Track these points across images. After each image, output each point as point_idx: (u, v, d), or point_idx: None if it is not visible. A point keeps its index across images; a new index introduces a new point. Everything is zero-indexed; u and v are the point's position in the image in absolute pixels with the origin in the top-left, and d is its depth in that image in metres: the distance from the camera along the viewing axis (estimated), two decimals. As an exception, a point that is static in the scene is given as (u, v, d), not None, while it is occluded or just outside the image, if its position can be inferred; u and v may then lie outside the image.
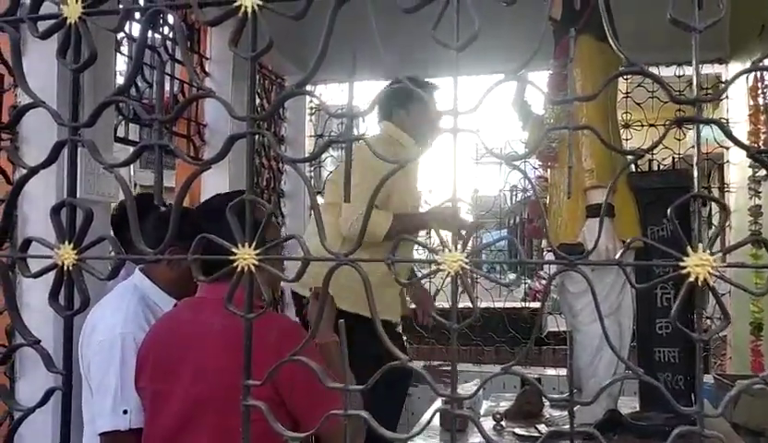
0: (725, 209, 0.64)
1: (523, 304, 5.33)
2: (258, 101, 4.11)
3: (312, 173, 5.03)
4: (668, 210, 0.65)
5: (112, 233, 2.32)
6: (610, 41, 0.64)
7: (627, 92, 4.17)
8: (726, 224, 4.17)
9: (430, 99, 2.89)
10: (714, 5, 0.58)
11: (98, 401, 1.85)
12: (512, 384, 3.59)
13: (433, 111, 2.90)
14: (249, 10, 0.70)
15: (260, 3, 0.70)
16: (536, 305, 5.65)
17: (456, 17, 0.66)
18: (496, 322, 4.88)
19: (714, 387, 2.87)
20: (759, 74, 3.25)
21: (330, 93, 4.75)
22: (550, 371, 4.20)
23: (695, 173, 0.63)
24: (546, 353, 5.00)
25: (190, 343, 1.62)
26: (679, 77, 3.95)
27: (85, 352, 1.94)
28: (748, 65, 3.81)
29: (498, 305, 5.01)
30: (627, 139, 4.13)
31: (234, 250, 0.69)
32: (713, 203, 4.33)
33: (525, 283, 5.93)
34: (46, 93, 1.89)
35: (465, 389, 3.22)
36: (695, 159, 0.63)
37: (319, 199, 5.05)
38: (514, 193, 5.59)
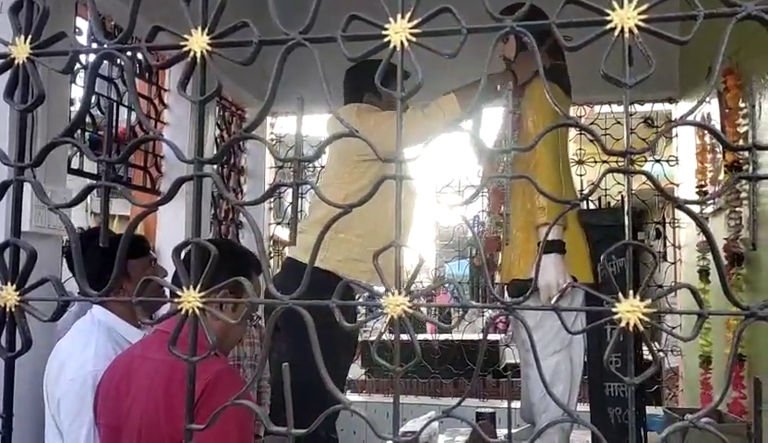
0: (654, 258, 0.67)
1: (482, 335, 5.36)
2: (217, 132, 4.10)
3: (272, 203, 5.02)
4: (602, 257, 0.68)
5: (66, 264, 2.28)
6: (548, 96, 0.67)
7: (581, 129, 4.27)
8: (678, 259, 4.28)
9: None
10: (658, 53, 0.61)
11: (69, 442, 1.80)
12: (469, 417, 3.59)
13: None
14: (198, 55, 0.71)
15: (209, 48, 0.71)
16: (495, 337, 5.70)
17: (400, 66, 0.68)
18: (454, 354, 4.89)
19: (665, 420, 2.91)
20: (705, 114, 3.36)
21: (289, 124, 4.79)
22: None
23: (626, 221, 0.66)
24: (503, 386, 5.03)
25: (138, 382, 1.60)
26: (631, 114, 4.06)
27: (52, 390, 1.88)
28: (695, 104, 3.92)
29: (456, 337, 5.04)
30: (581, 175, 4.22)
31: (177, 292, 0.69)
32: (665, 237, 4.45)
33: (483, 315, 5.95)
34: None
35: (419, 422, 3.22)
36: (626, 207, 0.66)
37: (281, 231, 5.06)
38: (474, 224, 5.65)
